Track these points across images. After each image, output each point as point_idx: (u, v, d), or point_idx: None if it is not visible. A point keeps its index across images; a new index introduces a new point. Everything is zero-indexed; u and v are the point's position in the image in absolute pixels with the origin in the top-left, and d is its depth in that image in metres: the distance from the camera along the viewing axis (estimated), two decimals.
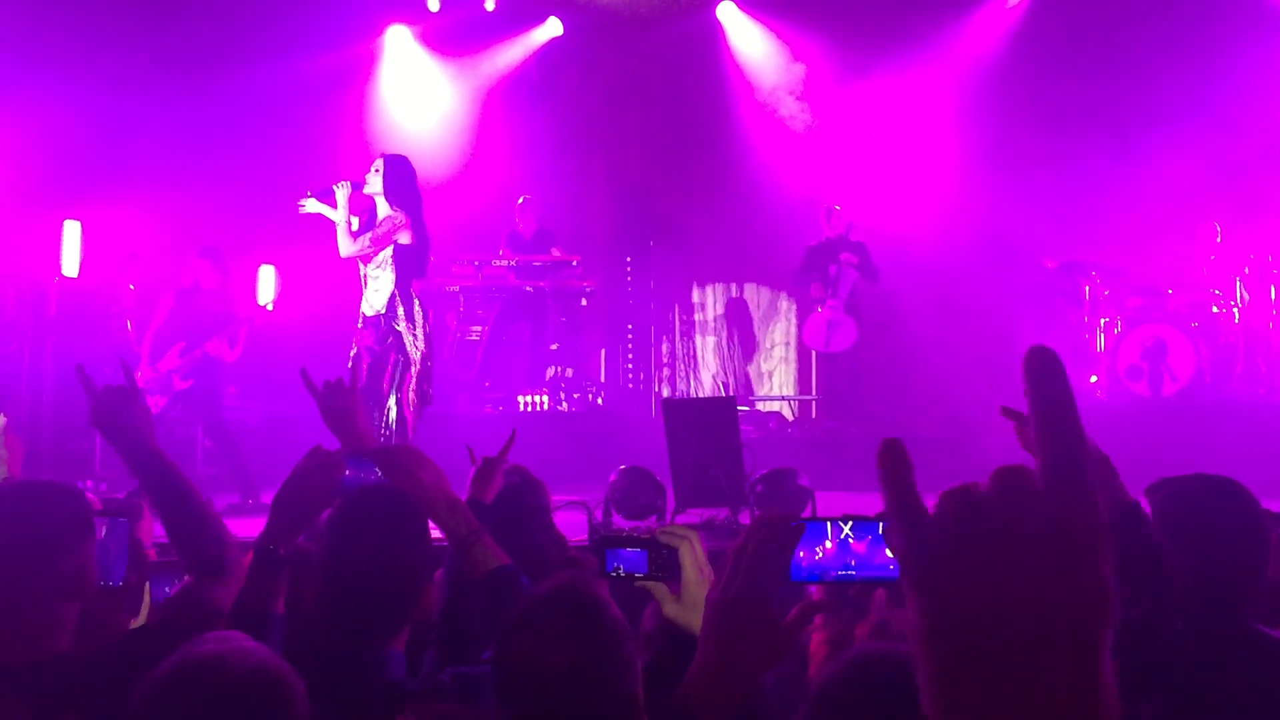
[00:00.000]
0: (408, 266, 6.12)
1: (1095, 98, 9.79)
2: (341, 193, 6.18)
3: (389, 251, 6.10)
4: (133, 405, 2.46)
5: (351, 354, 6.18)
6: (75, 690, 1.95)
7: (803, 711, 1.26)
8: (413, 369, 6.04)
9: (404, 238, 6.08)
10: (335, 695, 1.93)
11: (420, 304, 6.16)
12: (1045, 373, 0.64)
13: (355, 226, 6.20)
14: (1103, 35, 9.91)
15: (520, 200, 9.75)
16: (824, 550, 1.46)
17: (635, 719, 1.74)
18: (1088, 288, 8.82)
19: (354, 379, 2.89)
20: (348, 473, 2.38)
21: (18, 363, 7.92)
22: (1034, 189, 9.61)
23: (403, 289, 6.10)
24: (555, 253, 9.59)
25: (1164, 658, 2.02)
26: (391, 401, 6.00)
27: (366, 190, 6.16)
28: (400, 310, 6.09)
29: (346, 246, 6.15)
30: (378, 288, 6.15)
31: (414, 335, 6.08)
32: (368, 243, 6.09)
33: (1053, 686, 0.61)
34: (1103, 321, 8.69)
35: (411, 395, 6.05)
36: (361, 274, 6.28)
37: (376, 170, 6.18)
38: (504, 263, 9.47)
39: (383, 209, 6.16)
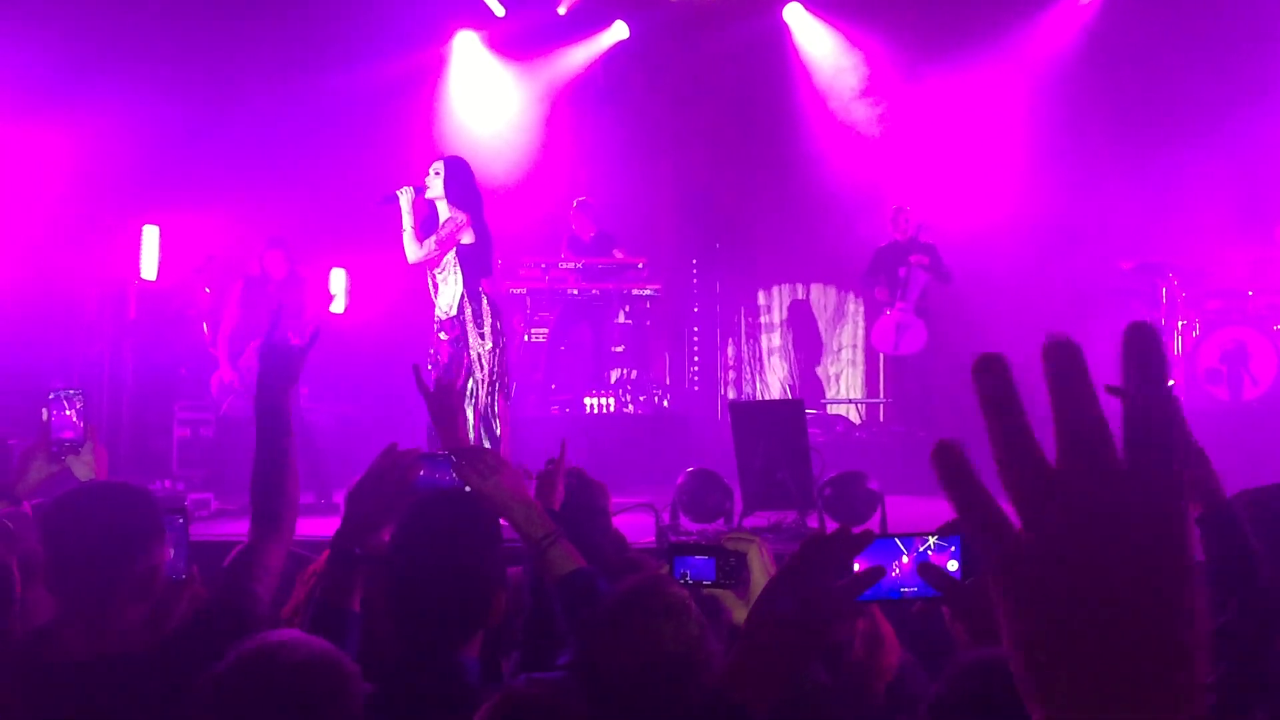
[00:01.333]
0: (473, 266, 6.17)
1: (1171, 94, 9.57)
2: (405, 198, 6.23)
3: (453, 253, 6.16)
4: (302, 361, 2.57)
5: (430, 354, 6.25)
6: (147, 683, 1.99)
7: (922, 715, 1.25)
8: (479, 368, 6.07)
9: (467, 238, 6.13)
10: (409, 700, 1.94)
11: (489, 302, 6.21)
12: (1145, 347, 0.62)
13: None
14: (1179, 30, 9.69)
15: (575, 203, 9.76)
16: (900, 567, 1.45)
17: (718, 710, 1.76)
18: (1164, 289, 8.63)
19: (451, 381, 2.92)
20: (421, 472, 2.41)
21: (98, 364, 8.11)
22: (1108, 188, 9.43)
23: (470, 289, 6.16)
24: (617, 255, 9.60)
25: (1262, 668, 1.97)
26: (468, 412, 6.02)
27: (428, 195, 6.21)
28: (468, 310, 6.15)
29: (413, 252, 6.20)
30: (446, 290, 6.21)
31: (480, 334, 6.12)
32: (433, 246, 6.14)
33: (1148, 677, 0.60)
34: (1180, 324, 8.50)
35: (483, 394, 6.08)
36: (430, 279, 6.33)
37: (436, 173, 6.22)
38: (569, 265, 9.50)
39: (443, 212, 6.21)
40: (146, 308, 8.40)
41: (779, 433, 5.77)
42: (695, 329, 10.97)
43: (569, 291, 9.46)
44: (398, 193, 6.23)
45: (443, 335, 6.21)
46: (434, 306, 6.30)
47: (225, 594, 2.30)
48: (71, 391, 3.01)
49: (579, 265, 9.50)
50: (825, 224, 10.48)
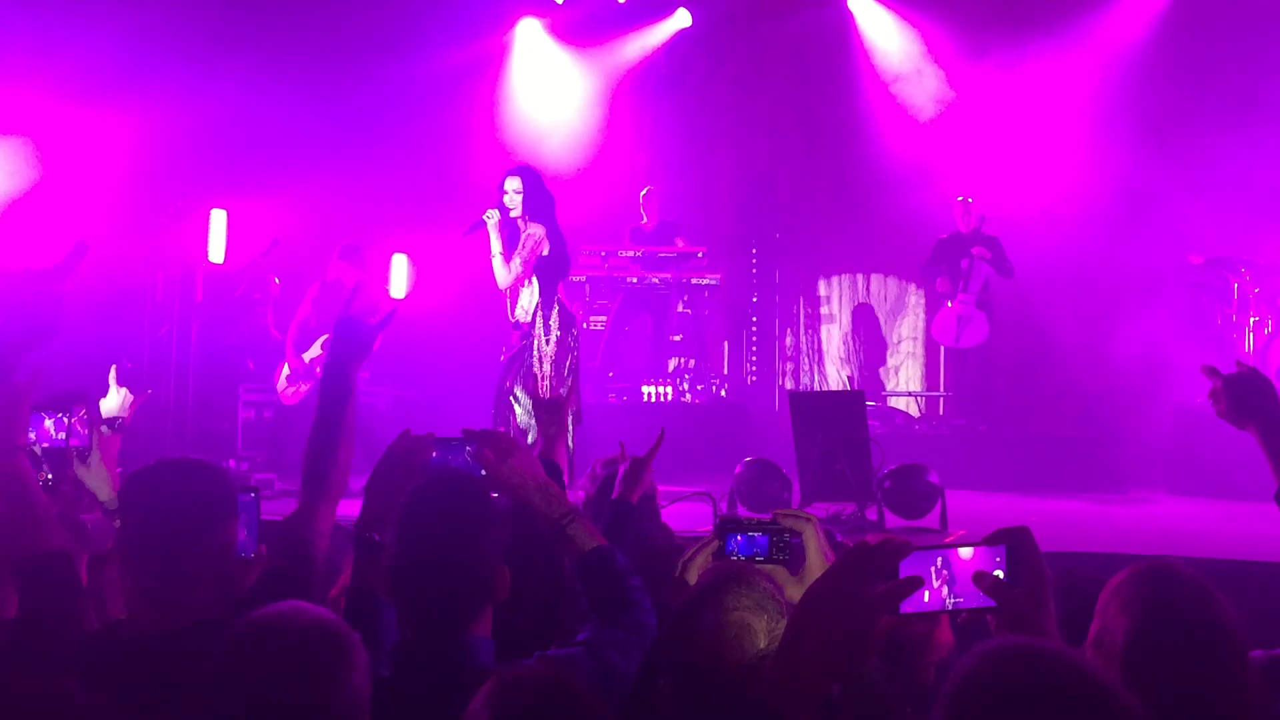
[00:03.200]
0: (549, 275, 6.28)
1: (1245, 86, 9.34)
2: (491, 220, 6.30)
3: (496, 259, 6.29)
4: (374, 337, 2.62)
5: (501, 350, 6.43)
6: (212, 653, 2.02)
7: (945, 706, 1.23)
8: (540, 374, 6.15)
9: (544, 249, 6.22)
10: (418, 682, 1.95)
11: (562, 311, 6.32)
12: None
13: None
14: (1256, 20, 9.45)
15: (644, 192, 9.79)
16: (941, 578, 1.44)
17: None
18: (1236, 285, 8.43)
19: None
20: (434, 455, 2.43)
21: (166, 346, 8.25)
22: (1179, 181, 9.24)
23: (546, 298, 6.27)
24: (679, 244, 9.59)
25: None
26: (522, 398, 6.14)
27: (512, 215, 6.26)
28: (539, 319, 6.25)
29: (504, 277, 6.30)
30: (525, 294, 6.31)
31: (546, 340, 6.22)
32: (519, 268, 6.23)
33: None
34: (1252, 320, 8.30)
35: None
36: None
37: (517, 191, 6.25)
38: (629, 254, 9.50)
39: (522, 225, 6.29)
40: (213, 291, 8.54)
41: (839, 424, 5.74)
42: (754, 319, 10.92)
43: (628, 280, 9.46)
44: (484, 218, 6.32)
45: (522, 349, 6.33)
46: (508, 304, 6.39)
47: (285, 561, 2.34)
48: (60, 412, 3.05)
49: (639, 254, 9.50)
50: (886, 214, 10.37)
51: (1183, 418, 8.16)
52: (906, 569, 1.40)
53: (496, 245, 6.25)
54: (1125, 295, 9.70)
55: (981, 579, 1.43)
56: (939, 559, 1.44)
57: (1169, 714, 1.52)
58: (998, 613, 1.44)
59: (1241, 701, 1.77)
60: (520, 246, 6.20)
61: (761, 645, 1.71)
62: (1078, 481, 7.61)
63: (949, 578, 1.44)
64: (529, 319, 6.25)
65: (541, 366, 6.16)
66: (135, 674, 1.99)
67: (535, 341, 6.21)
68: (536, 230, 6.21)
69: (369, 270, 7.77)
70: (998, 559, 1.45)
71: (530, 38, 11.13)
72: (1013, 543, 1.47)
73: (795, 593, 1.66)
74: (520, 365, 6.20)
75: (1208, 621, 1.78)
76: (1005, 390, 9.72)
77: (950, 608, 1.46)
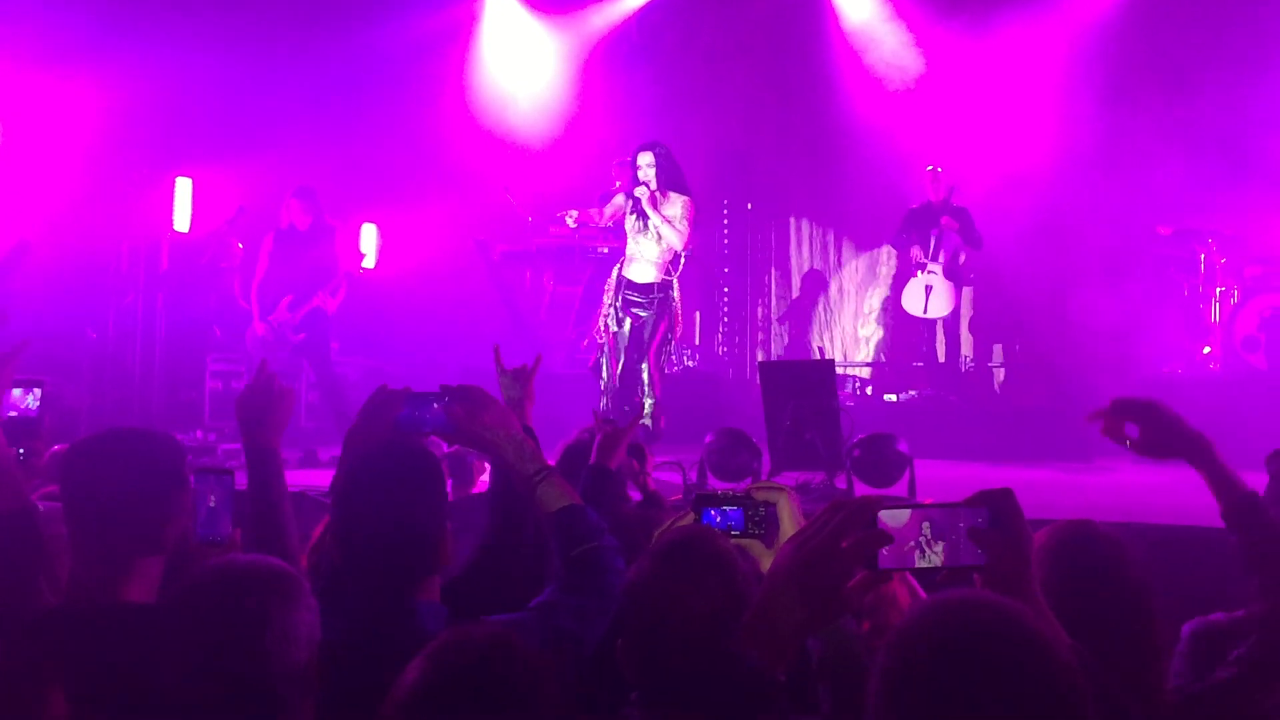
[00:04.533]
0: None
1: (1213, 59, 9.38)
2: (644, 195, 6.69)
3: (665, 228, 6.64)
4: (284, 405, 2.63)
5: (606, 315, 6.85)
6: (146, 638, 2.00)
7: (883, 656, 1.24)
8: (670, 337, 6.83)
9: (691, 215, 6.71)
10: (361, 646, 1.95)
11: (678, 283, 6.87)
12: None
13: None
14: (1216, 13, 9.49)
15: (618, 163, 9.74)
16: (925, 536, 1.45)
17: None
18: (1203, 255, 8.51)
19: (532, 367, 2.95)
20: (404, 411, 2.44)
21: (131, 315, 8.18)
22: (1147, 153, 9.28)
23: (672, 264, 6.79)
24: None
25: None
26: (645, 364, 6.71)
27: (652, 188, 6.66)
28: (673, 288, 6.80)
29: (678, 239, 6.70)
30: (647, 259, 6.75)
31: (674, 306, 6.80)
32: (685, 228, 6.70)
33: None
34: (1218, 291, 8.39)
35: (660, 359, 6.83)
36: (633, 242, 6.83)
37: (650, 165, 6.71)
38: (601, 223, 9.47)
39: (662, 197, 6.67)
40: (179, 260, 8.45)
41: (809, 393, 5.75)
42: (726, 289, 10.93)
43: (599, 250, 9.43)
44: (636, 194, 6.71)
45: (639, 311, 6.75)
46: (649, 266, 6.75)
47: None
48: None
49: (610, 223, 9.47)
50: (859, 185, 10.38)
51: (1149, 387, 8.24)
52: (889, 529, 1.42)
53: (656, 217, 6.62)
54: (1094, 266, 9.77)
55: (978, 535, 1.44)
56: (922, 519, 1.45)
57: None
58: (983, 571, 1.45)
59: (1149, 656, 1.82)
60: (680, 216, 6.64)
61: (716, 605, 1.74)
62: (1045, 450, 7.68)
63: (930, 537, 1.44)
64: (653, 281, 6.71)
65: (674, 330, 6.82)
66: (75, 647, 1.97)
67: (670, 308, 6.75)
68: (683, 199, 6.67)
69: (323, 212, 7.56)
70: (980, 521, 1.46)
71: (501, 5, 11.03)
72: (995, 504, 1.47)
73: (769, 565, 1.66)
74: (659, 337, 6.74)
75: (1118, 578, 1.83)
76: (975, 360, 9.78)
77: (931, 565, 1.46)
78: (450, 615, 2.10)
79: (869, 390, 9.60)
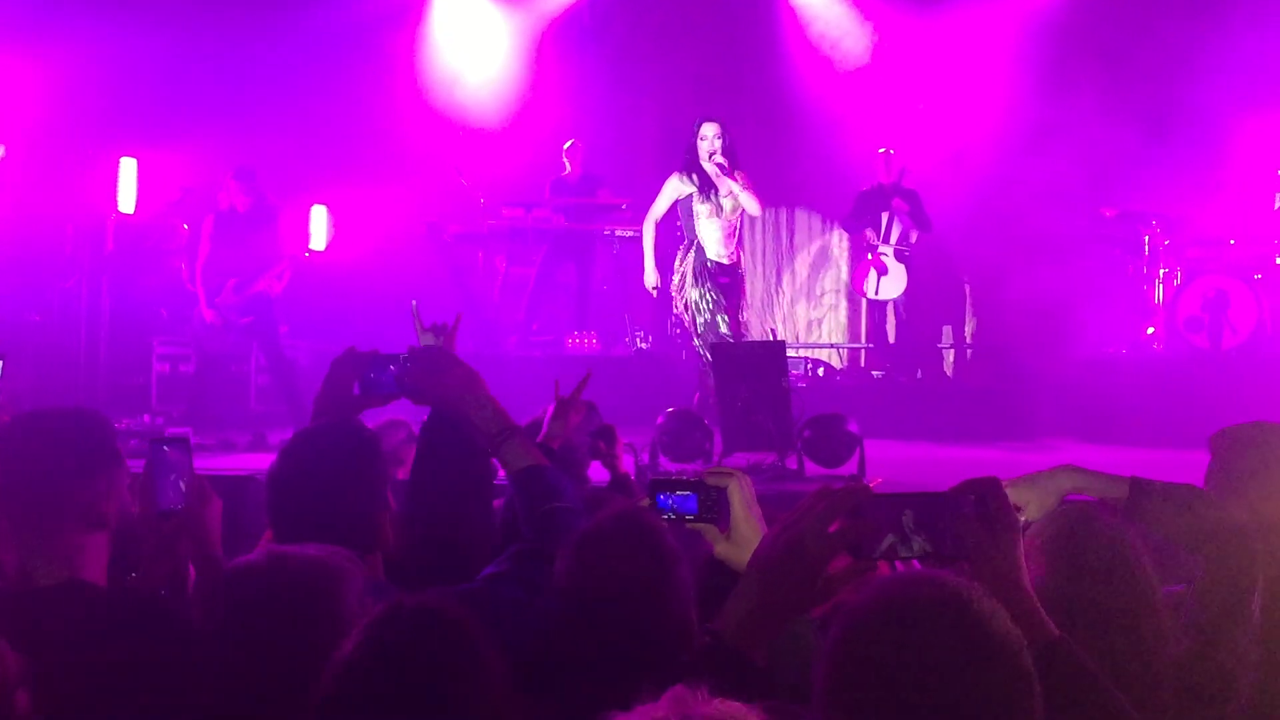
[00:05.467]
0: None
1: (1158, 44, 9.51)
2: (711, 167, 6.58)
3: (745, 195, 6.57)
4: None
5: (695, 300, 6.69)
6: (98, 616, 1.98)
7: (831, 637, 1.26)
8: (746, 304, 6.89)
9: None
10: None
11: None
12: None
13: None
14: None
15: (567, 145, 9.70)
16: (904, 526, 1.45)
17: (688, 637, 1.83)
18: (1147, 237, 8.65)
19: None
20: (370, 373, 2.44)
21: (75, 298, 8.05)
22: (1093, 136, 9.39)
23: (739, 242, 6.84)
24: (602, 196, 9.54)
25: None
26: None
27: (715, 160, 6.57)
28: (744, 261, 6.87)
29: (756, 206, 6.67)
30: (719, 236, 6.68)
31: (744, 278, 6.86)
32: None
33: None
34: (1162, 272, 8.53)
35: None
36: (700, 225, 6.72)
37: (718, 136, 6.59)
38: (554, 205, 9.44)
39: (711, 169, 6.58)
40: (124, 241, 8.31)
41: (760, 374, 5.78)
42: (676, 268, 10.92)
43: (556, 230, 9.41)
44: (710, 166, 6.57)
45: (713, 291, 6.66)
46: (718, 243, 6.68)
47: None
48: None
49: (563, 206, 9.45)
50: (811, 167, 10.42)
51: (1093, 368, 8.39)
52: (873, 517, 1.42)
53: (737, 185, 6.54)
54: (1040, 247, 9.87)
55: (958, 530, 1.43)
56: (906, 508, 1.44)
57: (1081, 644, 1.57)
58: (969, 562, 1.44)
59: (1152, 638, 1.85)
60: (736, 178, 6.54)
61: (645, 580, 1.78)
62: (992, 430, 7.78)
63: (913, 527, 1.44)
64: (724, 260, 6.67)
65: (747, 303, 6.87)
66: (28, 628, 1.95)
67: (743, 283, 6.83)
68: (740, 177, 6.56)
69: (264, 194, 7.45)
70: (965, 510, 1.44)
71: None
72: (981, 494, 1.46)
73: (724, 550, 1.67)
74: (740, 312, 6.74)
75: (1121, 562, 1.85)
76: (925, 341, 9.87)
77: (915, 554, 1.46)
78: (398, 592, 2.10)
79: (820, 372, 9.65)
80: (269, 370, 7.80)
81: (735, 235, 6.75)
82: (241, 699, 1.62)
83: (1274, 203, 8.29)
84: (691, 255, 6.72)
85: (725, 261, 6.69)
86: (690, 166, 6.67)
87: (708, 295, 6.64)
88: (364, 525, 2.14)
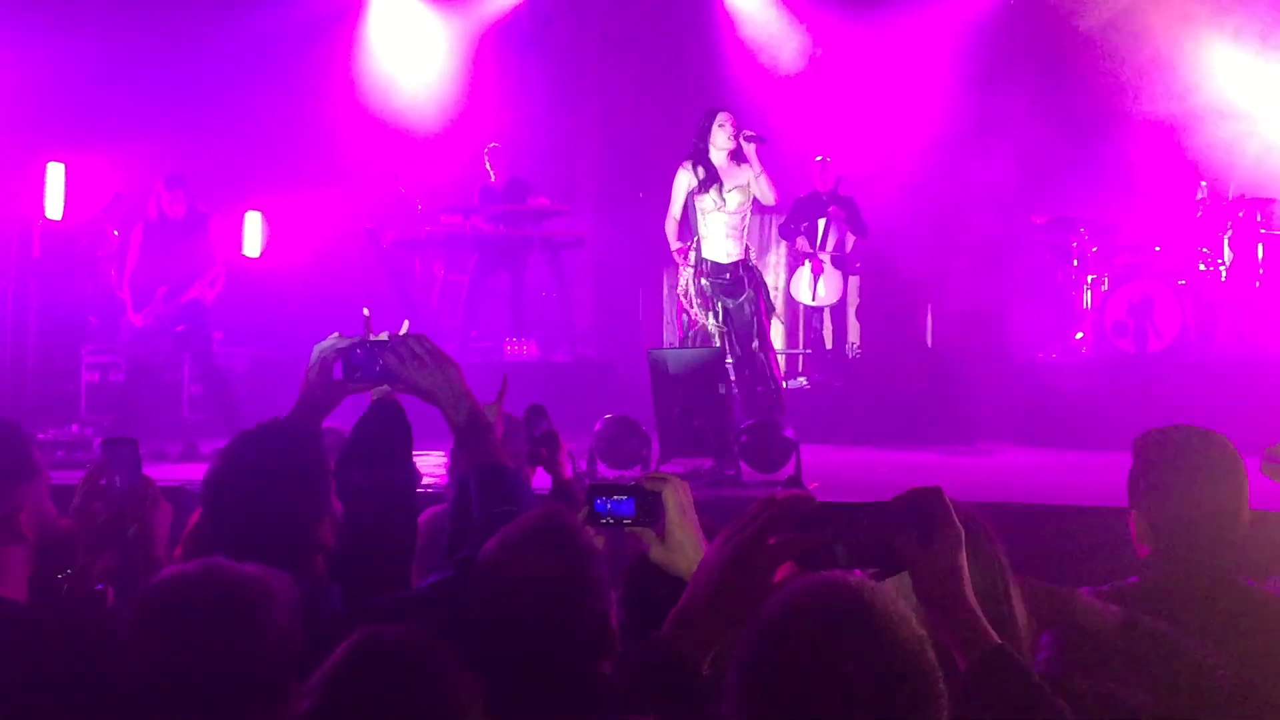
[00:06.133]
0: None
1: (1086, 50, 9.69)
2: (751, 148, 6.37)
3: (743, 200, 6.36)
4: None
5: (694, 300, 6.41)
6: (17, 632, 1.95)
7: (741, 641, 1.28)
8: (774, 313, 6.56)
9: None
10: None
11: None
12: None
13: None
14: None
15: (488, 149, 9.64)
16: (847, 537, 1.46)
17: (605, 638, 1.85)
18: (1075, 244, 8.81)
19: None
20: (350, 359, 2.45)
21: (1, 306, 7.88)
22: (1025, 143, 9.56)
23: (751, 241, 6.52)
24: (534, 201, 9.50)
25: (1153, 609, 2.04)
26: (754, 345, 6.33)
27: (725, 149, 6.35)
28: (754, 258, 6.50)
29: (771, 194, 6.41)
30: (734, 235, 6.40)
31: (765, 281, 6.52)
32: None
33: None
34: (1090, 278, 8.70)
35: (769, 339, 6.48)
36: (704, 221, 6.45)
37: (730, 122, 6.37)
38: (489, 212, 9.41)
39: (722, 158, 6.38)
40: (51, 248, 8.15)
41: (697, 380, 5.81)
42: (618, 276, 10.94)
43: (488, 237, 9.38)
44: (746, 141, 6.34)
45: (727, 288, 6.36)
46: (731, 240, 6.43)
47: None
48: None
49: (499, 212, 9.42)
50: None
51: (1026, 372, 8.55)
52: (817, 527, 1.43)
53: (758, 166, 6.32)
54: (972, 253, 10.04)
55: (900, 540, 1.43)
56: (847, 518, 1.44)
57: None
58: (912, 571, 1.44)
59: (1009, 626, 1.89)
60: (755, 166, 6.30)
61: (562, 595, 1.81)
62: (929, 435, 7.88)
63: (857, 537, 1.44)
64: (739, 259, 6.39)
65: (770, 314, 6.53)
66: None
67: (765, 285, 6.48)
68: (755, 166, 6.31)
69: (195, 200, 7.30)
70: (909, 519, 1.44)
71: None
72: (923, 503, 1.46)
73: (659, 554, 1.69)
74: (762, 316, 6.37)
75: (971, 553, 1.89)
76: (862, 347, 9.97)
77: (859, 564, 1.45)
78: (343, 591, 2.10)
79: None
80: (201, 379, 7.68)
81: (740, 231, 6.39)
82: (160, 712, 1.59)
83: (1195, 211, 8.49)
84: (692, 254, 6.46)
85: (725, 260, 6.36)
86: (698, 157, 6.39)
87: (705, 296, 6.37)
88: (303, 525, 2.14)
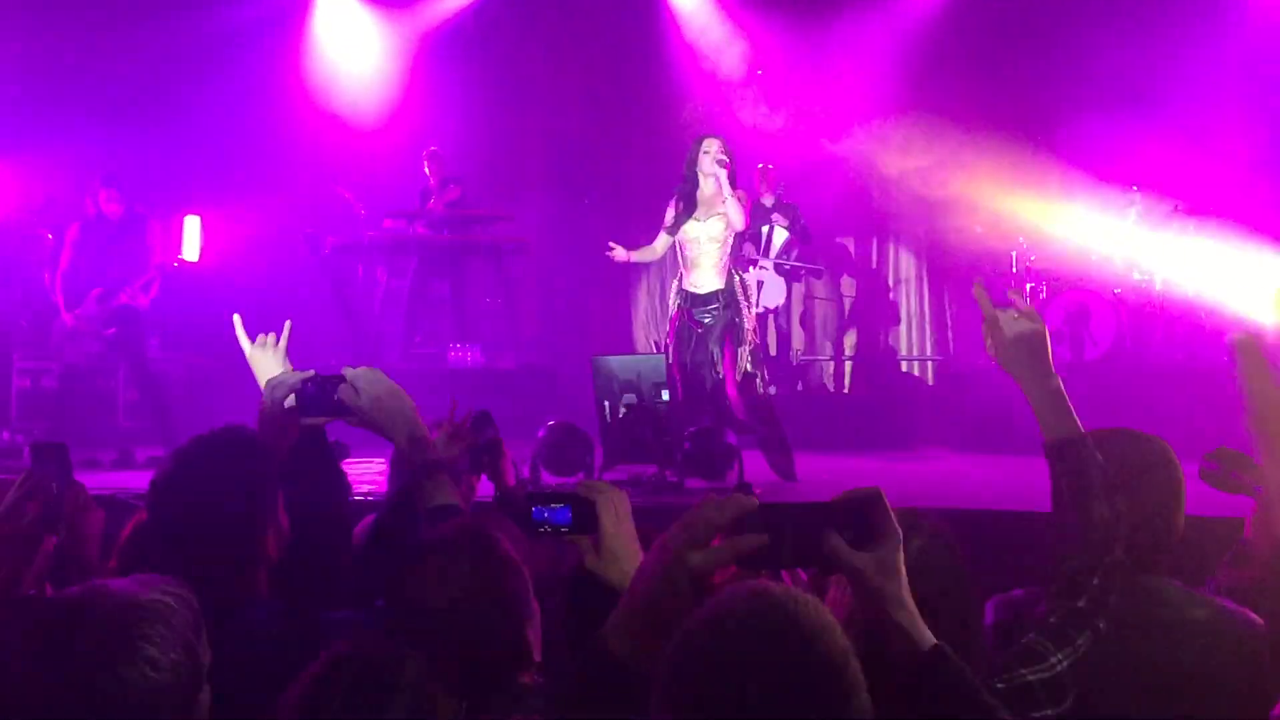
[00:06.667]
0: (736, 245, 6.42)
1: (1022, 56, 9.84)
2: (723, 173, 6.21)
3: (727, 228, 6.20)
4: None
5: (668, 342, 6.33)
6: None
7: (666, 649, 1.29)
8: (746, 344, 6.22)
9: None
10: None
11: (742, 280, 6.34)
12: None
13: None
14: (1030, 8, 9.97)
15: (426, 153, 9.59)
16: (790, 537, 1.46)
17: (522, 649, 1.87)
18: (1013, 253, 8.94)
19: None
20: (305, 393, 2.44)
21: None
22: (962, 153, 9.68)
23: (732, 266, 6.32)
24: (474, 206, 9.46)
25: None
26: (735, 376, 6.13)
27: (708, 175, 6.20)
28: (737, 286, 6.27)
29: (739, 217, 6.18)
30: (711, 264, 6.27)
31: (747, 306, 6.29)
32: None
33: None
34: (1028, 286, 8.82)
35: (747, 366, 6.22)
36: (680, 252, 6.40)
37: (722, 152, 6.19)
38: (433, 218, 9.36)
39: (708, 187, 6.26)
40: None
41: (641, 387, 5.82)
42: (563, 282, 10.93)
43: (430, 242, 9.32)
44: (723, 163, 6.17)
45: (706, 318, 6.23)
46: (675, 283, 6.43)
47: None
48: None
49: (442, 217, 9.36)
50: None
51: (965, 379, 8.66)
52: (757, 527, 1.42)
53: (730, 191, 6.10)
54: (915, 263, 10.15)
55: (831, 546, 1.42)
56: (788, 520, 1.44)
57: None
58: (851, 572, 1.44)
59: (973, 635, 1.91)
60: (733, 194, 6.10)
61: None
62: (871, 440, 7.95)
63: (797, 539, 1.43)
64: (720, 288, 6.22)
65: (749, 342, 6.24)
66: None
67: (743, 315, 6.21)
68: (742, 195, 6.22)
69: (133, 202, 7.17)
70: (848, 521, 1.44)
71: None
72: (863, 505, 1.46)
73: (593, 562, 1.68)
74: (731, 347, 6.16)
75: (946, 567, 1.91)
76: (804, 354, 10.05)
77: (801, 564, 1.47)
78: (284, 606, 2.07)
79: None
80: (136, 385, 7.53)
81: (720, 262, 6.27)
82: None
83: (1129, 217, 8.63)
84: (674, 284, 6.48)
85: (700, 291, 6.28)
86: (682, 187, 6.38)
87: (679, 327, 6.31)
88: (247, 536, 2.12)
